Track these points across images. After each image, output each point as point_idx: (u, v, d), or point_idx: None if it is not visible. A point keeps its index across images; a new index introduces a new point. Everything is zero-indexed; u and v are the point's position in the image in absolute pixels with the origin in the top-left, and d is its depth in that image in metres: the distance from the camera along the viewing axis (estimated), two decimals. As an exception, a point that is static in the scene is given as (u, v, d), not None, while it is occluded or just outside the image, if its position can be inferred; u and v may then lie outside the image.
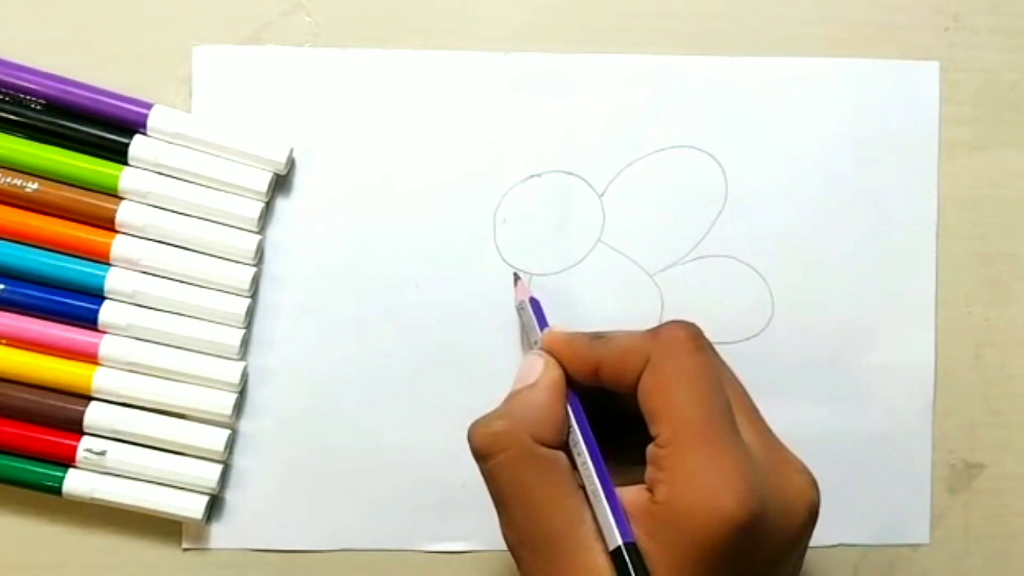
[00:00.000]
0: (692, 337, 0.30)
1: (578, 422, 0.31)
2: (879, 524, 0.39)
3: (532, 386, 0.32)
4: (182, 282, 0.37)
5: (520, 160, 0.38)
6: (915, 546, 0.39)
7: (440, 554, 0.38)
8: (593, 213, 0.38)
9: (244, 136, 0.37)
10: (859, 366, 0.38)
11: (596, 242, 0.38)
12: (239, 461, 0.38)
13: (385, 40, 0.38)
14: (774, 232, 0.38)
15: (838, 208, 0.38)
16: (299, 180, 0.38)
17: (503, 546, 0.38)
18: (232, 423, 0.37)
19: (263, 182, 0.37)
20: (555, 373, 0.32)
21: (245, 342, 0.37)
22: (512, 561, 0.38)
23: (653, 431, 0.29)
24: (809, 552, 0.38)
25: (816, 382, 0.38)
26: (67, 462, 0.36)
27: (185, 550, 0.38)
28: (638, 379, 0.30)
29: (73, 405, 0.36)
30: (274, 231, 0.38)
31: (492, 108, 0.38)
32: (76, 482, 0.36)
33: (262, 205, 0.37)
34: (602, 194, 0.38)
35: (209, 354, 0.37)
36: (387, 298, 0.38)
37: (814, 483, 0.30)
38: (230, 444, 0.37)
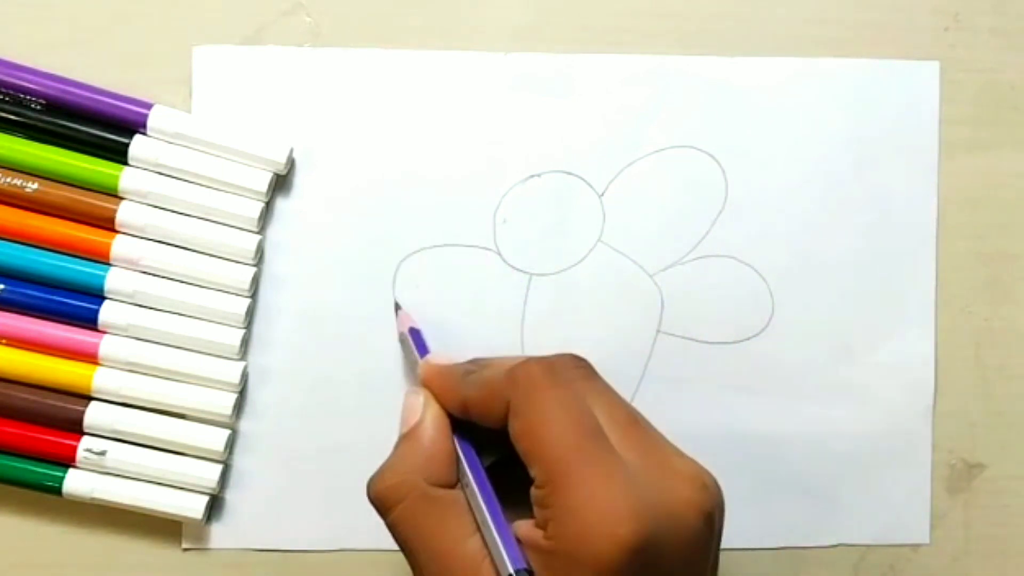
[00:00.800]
0: (546, 372, 0.30)
1: (464, 454, 0.31)
2: (879, 524, 0.39)
3: (416, 427, 0.32)
4: (182, 282, 0.37)
5: (520, 160, 0.38)
6: (915, 546, 0.39)
7: (440, 554, 0.38)
8: (593, 213, 0.38)
9: (244, 136, 0.37)
10: (859, 366, 0.38)
11: (596, 242, 0.38)
12: (239, 461, 0.38)
13: (385, 40, 0.38)
14: (774, 232, 0.38)
15: (838, 208, 0.38)
16: (299, 180, 0.38)
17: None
18: (232, 423, 0.37)
19: (263, 182, 0.37)
20: (435, 409, 0.32)
21: (245, 342, 0.37)
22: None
23: (531, 473, 0.28)
24: (809, 552, 0.38)
25: (816, 382, 0.38)
26: (67, 462, 0.36)
27: (185, 550, 0.38)
28: (503, 420, 0.30)
29: (73, 405, 0.36)
30: (274, 231, 0.38)
31: (492, 108, 0.38)
32: (76, 482, 0.36)
33: (262, 205, 0.37)
34: (602, 194, 0.38)
35: (209, 354, 0.37)
36: (387, 298, 0.38)
37: (706, 486, 0.29)
38: (230, 444, 0.37)
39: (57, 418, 0.36)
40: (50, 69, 0.37)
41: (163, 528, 0.37)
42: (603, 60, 0.38)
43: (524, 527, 0.29)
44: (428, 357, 0.34)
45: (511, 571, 0.27)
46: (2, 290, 0.36)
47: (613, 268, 0.38)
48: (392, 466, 0.31)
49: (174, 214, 0.37)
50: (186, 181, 0.37)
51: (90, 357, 0.36)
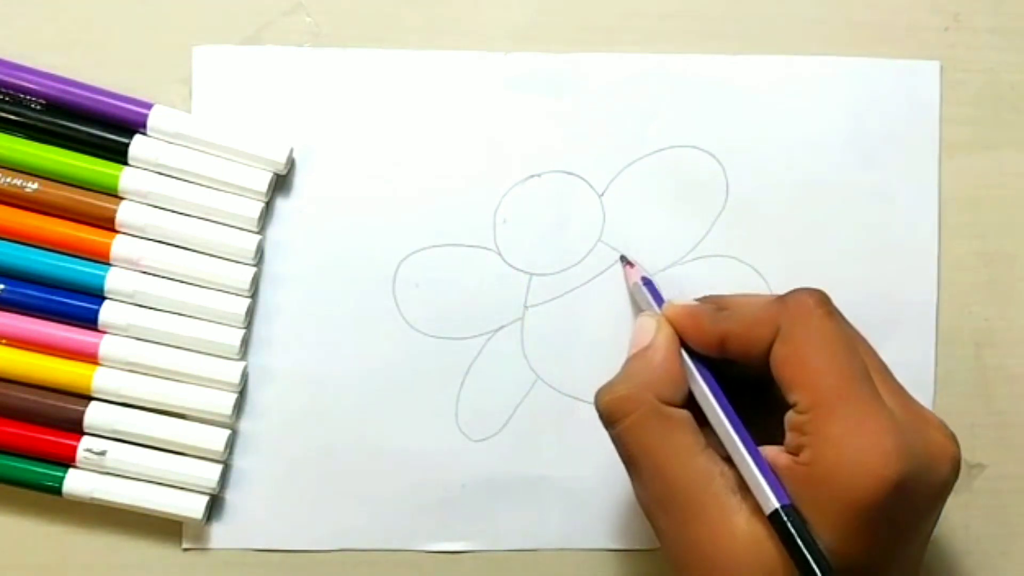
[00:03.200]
0: (820, 303, 0.30)
1: (709, 386, 0.31)
2: (879, 524, 0.38)
3: (648, 347, 0.32)
4: (182, 282, 0.37)
5: (520, 160, 0.38)
6: (915, 546, 0.39)
7: (440, 554, 0.38)
8: (593, 213, 0.38)
9: (244, 136, 0.37)
10: (859, 366, 0.38)
11: (596, 242, 0.38)
12: (239, 461, 0.38)
13: (385, 40, 0.38)
14: (774, 232, 0.38)
15: (838, 208, 0.38)
16: (299, 180, 0.38)
17: (503, 546, 0.38)
18: (232, 423, 0.37)
19: (263, 182, 0.37)
20: (668, 331, 0.32)
21: (245, 342, 0.37)
22: (512, 561, 0.38)
23: (791, 398, 0.29)
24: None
25: (816, 382, 0.38)
26: (67, 462, 0.36)
27: (185, 550, 0.38)
28: (767, 349, 0.30)
29: (73, 405, 0.36)
30: (274, 231, 0.38)
31: (492, 108, 0.38)
32: (76, 482, 0.36)
33: (262, 205, 0.37)
34: (602, 194, 0.38)
35: (209, 354, 0.37)
36: (387, 298, 0.38)
37: (954, 438, 0.30)
38: (230, 444, 0.37)
39: (57, 418, 0.36)
40: (50, 69, 0.37)
41: (163, 528, 0.37)
42: (603, 60, 0.38)
43: (771, 451, 0.29)
44: (670, 301, 0.34)
45: (776, 506, 0.27)
46: (2, 290, 0.36)
47: (613, 268, 0.38)
48: (623, 379, 0.32)
49: (174, 214, 0.37)
50: (186, 181, 0.37)
51: (90, 357, 0.36)
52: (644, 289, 0.36)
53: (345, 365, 0.38)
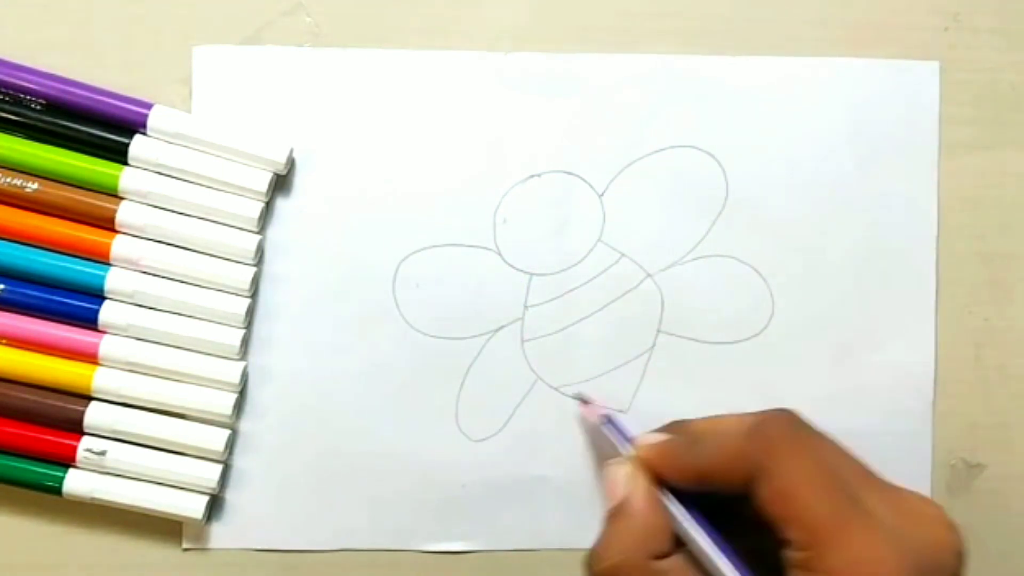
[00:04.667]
0: (793, 428, 0.30)
1: (696, 531, 0.30)
2: (879, 524, 0.38)
3: (625, 501, 0.32)
4: (182, 282, 0.37)
5: (520, 160, 0.38)
6: (915, 546, 0.39)
7: (440, 554, 0.38)
8: (593, 213, 0.38)
9: (244, 136, 0.37)
10: (859, 366, 0.38)
11: (596, 242, 0.38)
12: (239, 461, 0.38)
13: (385, 40, 0.38)
14: (774, 232, 0.38)
15: (838, 208, 0.38)
16: (299, 180, 0.38)
17: (503, 546, 0.38)
18: (232, 423, 0.37)
19: (263, 182, 0.37)
20: (642, 482, 0.32)
21: (245, 342, 0.37)
22: (512, 561, 0.38)
23: (785, 535, 0.28)
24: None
25: (816, 382, 0.38)
26: (67, 462, 0.36)
27: (185, 550, 0.38)
28: (747, 482, 0.29)
29: (73, 405, 0.36)
30: (274, 231, 0.38)
31: (492, 108, 0.38)
32: (76, 482, 0.36)
33: (262, 205, 0.37)
34: (602, 194, 0.38)
35: (209, 354, 0.37)
36: (387, 298, 0.38)
37: (954, 527, 0.29)
38: (230, 444, 0.37)
39: (57, 418, 0.36)
40: (50, 69, 0.37)
41: (163, 528, 0.37)
42: (603, 60, 0.38)
43: None
44: (639, 438, 0.33)
45: None
46: (2, 290, 0.36)
47: (613, 268, 0.38)
48: (609, 545, 0.31)
49: (174, 214, 0.37)
50: (186, 181, 0.37)
51: (90, 357, 0.36)
52: (606, 430, 0.35)
53: (345, 365, 0.38)
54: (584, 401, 0.37)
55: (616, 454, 0.34)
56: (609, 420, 0.36)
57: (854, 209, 0.38)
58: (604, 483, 0.33)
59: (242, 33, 0.38)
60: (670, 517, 0.31)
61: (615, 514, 0.32)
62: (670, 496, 0.31)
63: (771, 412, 0.31)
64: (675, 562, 0.30)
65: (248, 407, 0.38)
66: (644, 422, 0.38)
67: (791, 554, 0.28)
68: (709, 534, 0.30)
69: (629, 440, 0.34)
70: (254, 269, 0.37)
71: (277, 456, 0.38)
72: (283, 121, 0.38)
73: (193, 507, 0.37)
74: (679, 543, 0.31)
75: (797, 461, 0.29)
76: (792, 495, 0.28)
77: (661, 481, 0.32)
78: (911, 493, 0.30)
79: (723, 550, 0.30)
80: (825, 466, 0.29)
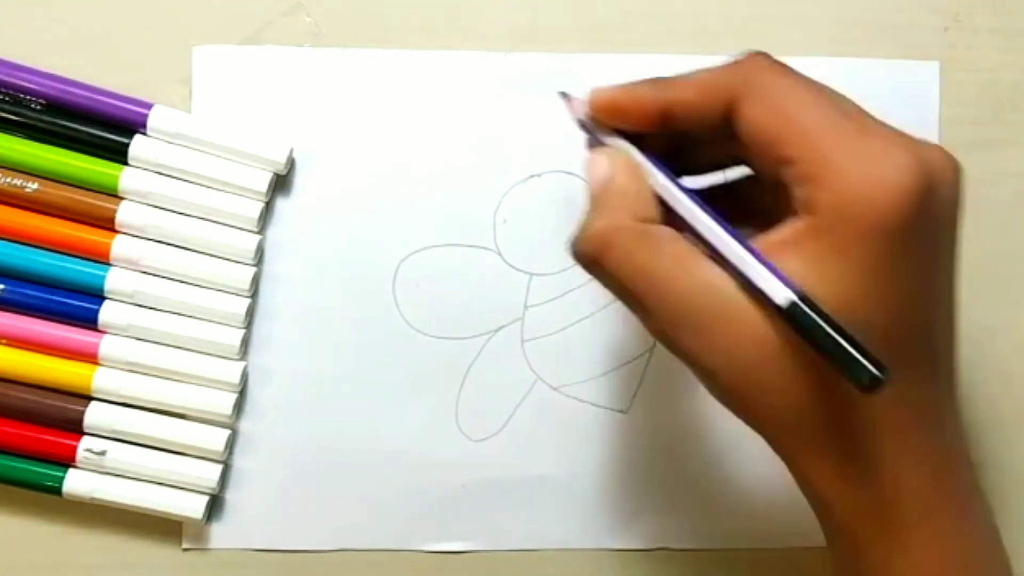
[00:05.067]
0: (776, 61, 0.28)
1: (683, 191, 0.28)
2: (879, 524, 0.38)
3: (606, 176, 0.29)
4: (182, 282, 0.37)
5: (520, 160, 0.38)
6: (915, 546, 0.39)
7: (440, 554, 0.38)
8: (593, 213, 0.38)
9: (244, 136, 0.37)
10: (859, 366, 0.38)
11: (596, 242, 0.38)
12: (239, 461, 0.38)
13: (385, 40, 0.38)
14: (774, 232, 0.38)
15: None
16: (299, 180, 0.38)
17: (503, 546, 0.38)
18: (232, 423, 0.37)
19: (263, 182, 0.37)
20: (621, 155, 0.29)
21: (245, 342, 0.37)
22: (512, 561, 0.38)
23: (781, 154, 0.27)
24: (809, 552, 0.38)
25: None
26: (67, 462, 0.36)
27: (185, 550, 0.38)
28: (721, 117, 0.28)
29: (73, 405, 0.36)
30: (274, 231, 0.38)
31: (492, 108, 0.38)
32: (76, 482, 0.36)
33: (262, 205, 0.37)
34: (602, 194, 0.38)
35: (209, 354, 0.37)
36: (387, 298, 0.38)
37: (951, 153, 0.28)
38: (230, 444, 0.37)
39: (57, 418, 0.36)
40: (50, 69, 0.37)
41: (163, 528, 0.37)
42: (603, 60, 0.38)
43: (774, 234, 0.27)
44: (593, 88, 0.30)
45: (791, 297, 0.25)
46: (2, 290, 0.36)
47: (613, 268, 0.38)
48: (594, 214, 0.29)
49: (174, 214, 0.37)
50: (186, 181, 0.37)
51: (90, 357, 0.36)
52: (591, 125, 0.32)
53: (345, 365, 0.38)
54: (567, 96, 0.32)
55: None
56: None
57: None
58: (588, 176, 0.30)
59: (242, 33, 0.38)
60: (655, 186, 0.29)
61: (598, 191, 0.29)
62: (653, 165, 0.29)
63: (750, 51, 0.29)
64: (665, 228, 0.28)
65: (248, 407, 0.38)
66: (644, 423, 0.38)
67: (788, 172, 0.27)
68: (696, 200, 0.28)
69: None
70: (254, 269, 0.37)
71: (277, 456, 0.38)
72: (283, 121, 0.38)
73: (193, 507, 0.37)
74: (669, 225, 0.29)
75: (784, 79, 0.27)
76: (785, 108, 0.27)
77: (631, 136, 0.30)
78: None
79: (714, 215, 0.28)
80: (816, 83, 0.28)
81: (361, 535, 0.38)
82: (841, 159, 0.26)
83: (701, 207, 0.28)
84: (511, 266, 0.38)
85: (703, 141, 0.30)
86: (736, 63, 0.28)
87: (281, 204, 0.38)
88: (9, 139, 0.36)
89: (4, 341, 0.36)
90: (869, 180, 0.25)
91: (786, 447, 0.28)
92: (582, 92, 0.31)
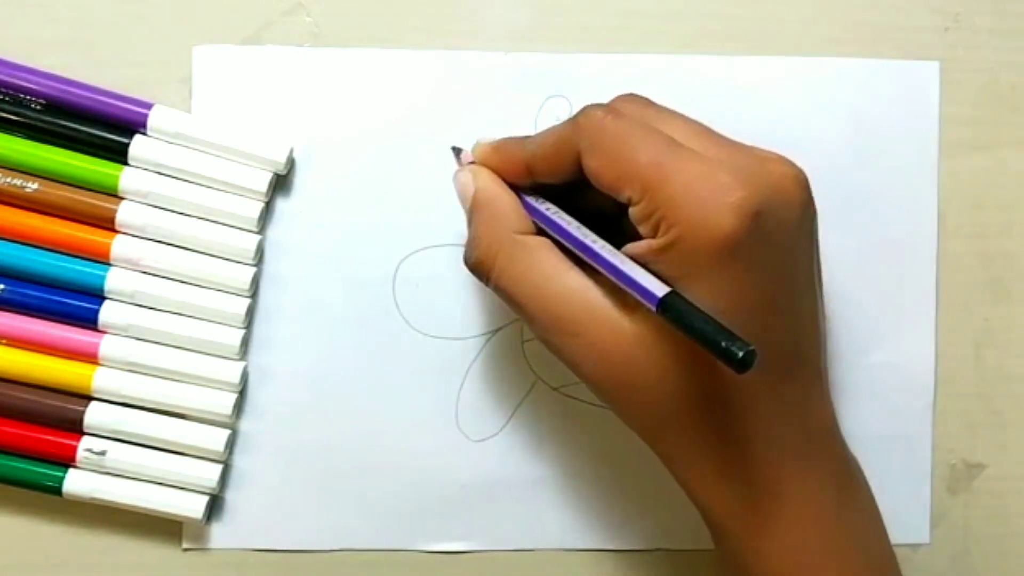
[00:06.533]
0: (609, 111, 0.30)
1: (538, 204, 0.32)
2: (879, 524, 0.39)
3: (476, 194, 0.33)
4: (182, 282, 0.37)
5: (520, 160, 0.38)
6: (915, 546, 0.39)
7: (440, 554, 0.38)
8: (593, 213, 0.38)
9: (244, 136, 0.37)
10: (859, 366, 0.38)
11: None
12: (239, 461, 0.38)
13: (385, 40, 0.38)
14: (774, 232, 0.38)
15: (838, 208, 0.38)
16: (299, 180, 0.38)
17: (503, 546, 0.38)
18: (232, 423, 0.37)
19: (263, 182, 0.37)
20: (484, 171, 0.33)
21: (245, 342, 0.37)
22: (512, 561, 0.38)
23: (623, 197, 0.29)
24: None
25: (816, 382, 0.38)
26: (67, 462, 0.36)
27: (185, 550, 0.38)
28: (573, 167, 0.31)
29: (73, 405, 0.36)
30: (274, 231, 0.38)
31: (492, 108, 0.38)
32: (76, 482, 0.36)
33: (262, 205, 0.37)
34: (602, 194, 0.38)
35: (209, 354, 0.37)
36: (387, 298, 0.38)
37: (791, 162, 0.30)
38: (230, 444, 0.37)
39: (57, 418, 0.36)
40: (50, 69, 0.37)
41: (163, 528, 0.37)
42: (603, 60, 0.38)
43: (628, 249, 0.29)
44: (478, 141, 0.34)
45: (660, 296, 0.27)
46: (2, 290, 0.36)
47: (613, 268, 0.38)
48: (477, 231, 0.32)
49: (174, 214, 0.37)
50: (186, 181, 0.37)
51: (90, 357, 0.36)
52: (457, 155, 0.36)
53: (345, 365, 0.38)
54: (457, 151, 0.36)
55: None
56: (457, 151, 0.36)
57: (854, 209, 0.38)
58: (457, 192, 0.34)
59: (242, 33, 0.38)
60: (525, 201, 0.32)
61: (472, 210, 0.33)
62: (529, 195, 0.33)
63: (590, 104, 0.31)
64: (537, 238, 0.32)
65: (248, 407, 0.38)
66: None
67: (632, 211, 0.29)
68: (559, 213, 0.31)
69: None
70: (254, 269, 0.37)
71: (277, 456, 0.38)
72: (283, 121, 0.38)
73: (193, 507, 0.37)
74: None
75: (613, 130, 0.30)
76: (616, 156, 0.29)
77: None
78: (752, 147, 0.30)
79: (576, 226, 0.31)
80: (647, 128, 0.30)
81: (361, 535, 0.38)
82: (671, 194, 0.28)
83: (568, 221, 0.31)
84: (511, 266, 0.38)
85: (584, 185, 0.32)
86: (575, 119, 0.31)
87: (281, 204, 0.38)
88: (9, 139, 0.36)
89: (4, 341, 0.36)
90: (701, 207, 0.27)
91: (663, 447, 0.31)
92: (468, 148, 0.35)
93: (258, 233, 0.37)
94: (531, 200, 0.33)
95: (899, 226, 0.39)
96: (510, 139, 0.34)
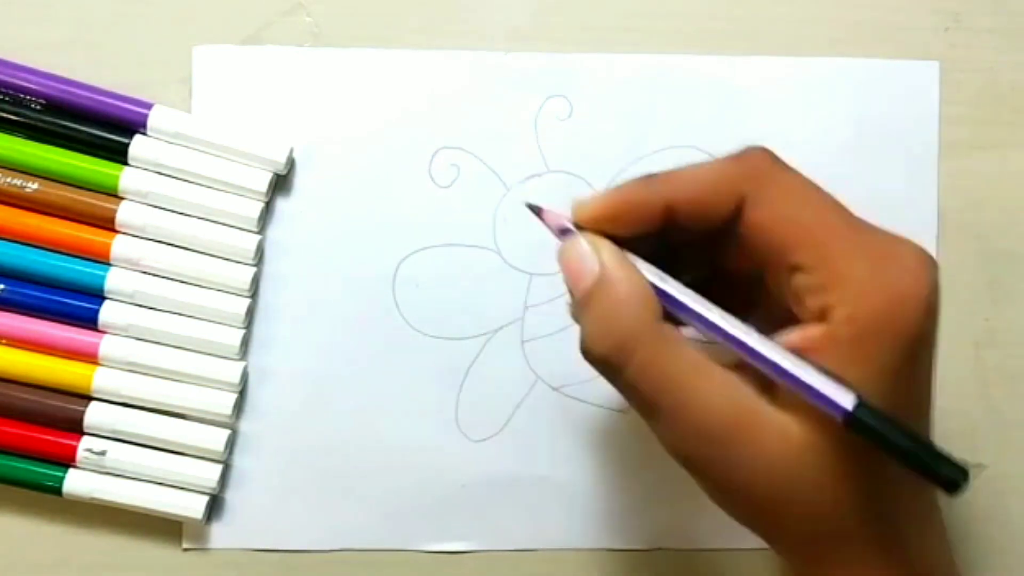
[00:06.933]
0: (776, 157, 0.27)
1: (674, 288, 0.27)
2: (879, 524, 0.38)
3: (603, 272, 0.27)
4: (182, 282, 0.37)
5: (520, 160, 0.38)
6: (915, 546, 0.39)
7: (440, 554, 0.38)
8: (593, 213, 0.38)
9: (244, 136, 0.37)
10: (859, 366, 0.38)
11: (596, 242, 0.38)
12: (239, 461, 0.38)
13: (385, 40, 0.38)
14: (774, 232, 0.38)
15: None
16: (299, 180, 0.38)
17: (503, 546, 0.38)
18: (232, 423, 0.37)
19: (263, 182, 0.37)
20: (608, 245, 0.27)
21: (245, 342, 0.37)
22: (512, 561, 0.38)
23: (791, 261, 0.26)
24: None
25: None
26: (67, 462, 0.36)
27: (185, 550, 0.38)
28: (728, 217, 0.26)
29: (73, 405, 0.36)
30: (274, 231, 0.38)
31: (492, 108, 0.38)
32: (76, 482, 0.36)
33: (262, 205, 0.37)
34: (602, 194, 0.38)
35: (209, 354, 0.37)
36: (387, 298, 0.38)
37: (913, 243, 0.27)
38: (230, 444, 0.37)
39: (57, 418, 0.36)
40: (50, 69, 0.37)
41: (163, 528, 0.37)
42: (603, 60, 0.38)
43: (793, 339, 0.26)
44: (576, 201, 0.28)
45: (849, 409, 0.24)
46: (2, 290, 0.36)
47: (613, 268, 0.38)
48: (606, 322, 0.26)
49: (174, 214, 0.37)
50: (186, 181, 0.37)
51: (90, 357, 0.36)
52: (542, 216, 0.30)
53: (345, 365, 0.38)
54: (537, 209, 0.30)
55: None
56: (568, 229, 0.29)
57: (853, 208, 0.38)
58: (566, 268, 0.27)
59: (242, 33, 0.38)
60: (655, 283, 0.27)
61: (594, 291, 0.27)
62: (647, 265, 0.27)
63: (749, 147, 0.28)
64: (677, 330, 0.26)
65: (248, 407, 0.38)
66: (644, 423, 0.38)
67: (797, 279, 0.26)
68: (704, 300, 0.27)
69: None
70: (254, 269, 0.37)
71: (277, 456, 0.38)
72: (283, 121, 0.38)
73: (193, 507, 0.37)
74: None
75: (789, 181, 0.27)
76: (792, 214, 0.26)
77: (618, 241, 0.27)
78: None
79: (728, 316, 0.26)
80: (815, 186, 0.27)
81: (361, 535, 0.38)
82: (854, 269, 0.25)
83: (708, 305, 0.26)
84: (511, 266, 0.38)
85: (683, 243, 0.28)
86: (740, 159, 0.27)
87: (281, 204, 0.38)
88: (9, 139, 0.36)
89: (4, 341, 0.36)
90: (885, 291, 0.25)
91: (809, 556, 0.27)
92: (559, 205, 0.29)
93: (258, 233, 0.37)
94: (655, 279, 0.27)
95: (899, 226, 0.38)
96: (630, 182, 0.28)
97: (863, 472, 0.25)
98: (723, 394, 0.26)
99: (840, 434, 0.24)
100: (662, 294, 0.27)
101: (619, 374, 0.26)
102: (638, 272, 0.27)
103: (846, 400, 0.24)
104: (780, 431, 0.25)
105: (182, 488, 0.37)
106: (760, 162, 0.27)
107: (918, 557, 0.27)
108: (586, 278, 0.27)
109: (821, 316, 0.25)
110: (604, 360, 0.27)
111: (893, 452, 0.24)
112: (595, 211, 0.28)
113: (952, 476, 0.23)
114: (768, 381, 0.26)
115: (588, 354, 0.27)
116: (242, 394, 0.37)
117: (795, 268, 0.26)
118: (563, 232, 0.29)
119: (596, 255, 0.27)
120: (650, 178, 0.28)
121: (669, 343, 0.26)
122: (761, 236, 0.26)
